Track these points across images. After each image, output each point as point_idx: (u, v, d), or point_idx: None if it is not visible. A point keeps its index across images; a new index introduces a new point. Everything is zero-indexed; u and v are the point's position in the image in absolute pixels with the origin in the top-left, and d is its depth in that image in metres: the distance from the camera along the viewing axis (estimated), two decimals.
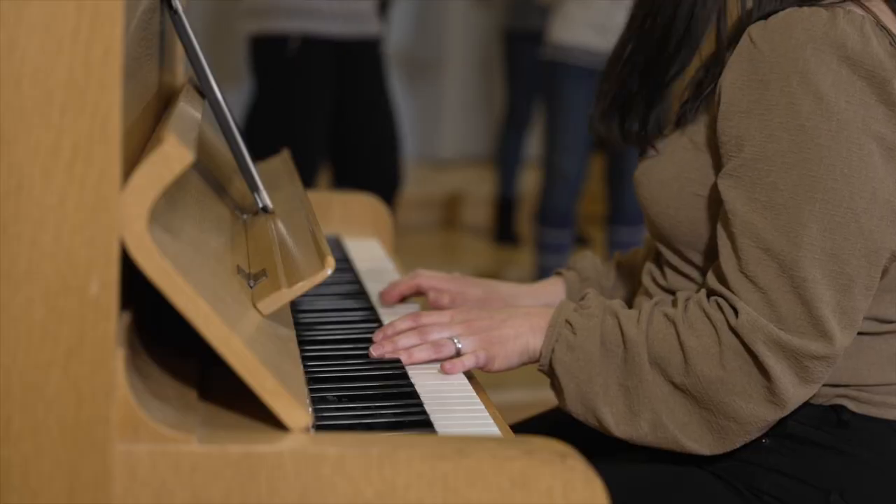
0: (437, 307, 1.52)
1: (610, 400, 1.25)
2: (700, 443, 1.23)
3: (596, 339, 1.26)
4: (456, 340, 1.30)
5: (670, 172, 1.34)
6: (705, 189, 1.31)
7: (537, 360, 1.31)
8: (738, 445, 1.23)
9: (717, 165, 1.29)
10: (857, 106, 1.18)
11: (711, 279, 1.26)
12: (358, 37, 3.75)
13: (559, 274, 1.59)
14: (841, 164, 1.18)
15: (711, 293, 1.26)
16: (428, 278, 1.55)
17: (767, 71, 1.22)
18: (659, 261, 1.40)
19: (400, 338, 1.31)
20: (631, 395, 1.24)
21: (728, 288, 1.23)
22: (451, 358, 1.30)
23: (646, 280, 1.42)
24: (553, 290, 1.57)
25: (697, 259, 1.34)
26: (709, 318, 1.23)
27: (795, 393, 1.20)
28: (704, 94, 1.32)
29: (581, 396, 1.26)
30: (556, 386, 1.29)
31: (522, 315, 1.32)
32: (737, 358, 1.20)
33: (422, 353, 1.30)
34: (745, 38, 1.25)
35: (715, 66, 1.32)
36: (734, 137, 1.24)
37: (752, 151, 1.22)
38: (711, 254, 1.30)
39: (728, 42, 1.32)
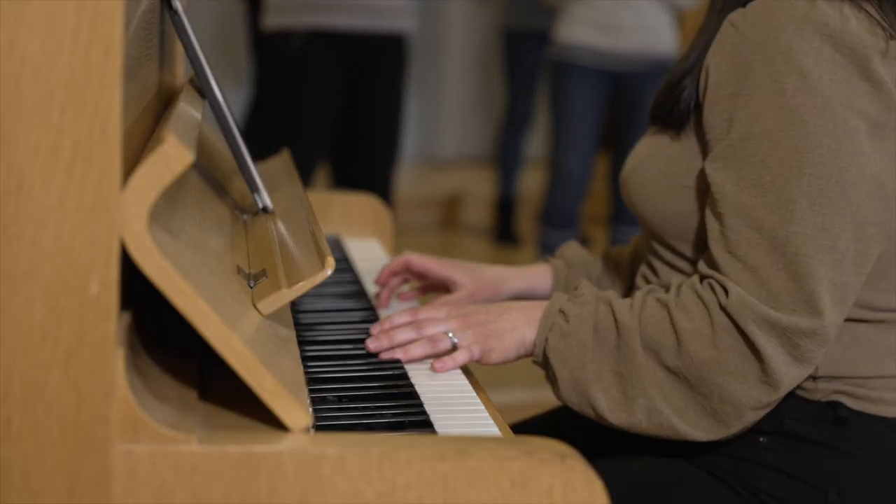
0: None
1: (604, 386, 1.25)
2: (696, 427, 1.23)
3: (589, 326, 1.26)
4: (452, 335, 1.31)
5: (658, 168, 1.35)
6: (692, 180, 1.31)
7: (532, 353, 1.31)
8: (734, 430, 1.23)
9: (704, 153, 1.30)
10: (840, 83, 1.20)
11: (702, 265, 1.27)
12: (371, 31, 3.55)
13: (546, 261, 1.60)
14: (827, 139, 1.19)
15: (703, 277, 1.26)
16: (417, 257, 1.57)
17: (750, 53, 1.23)
18: (651, 260, 1.40)
19: (396, 332, 1.32)
20: (625, 380, 1.24)
21: (718, 270, 1.23)
22: (447, 353, 1.30)
23: (639, 282, 1.42)
24: (540, 273, 1.57)
25: (689, 251, 1.34)
26: (701, 299, 1.23)
27: (788, 373, 1.20)
28: (686, 86, 1.32)
29: (575, 383, 1.26)
30: (550, 375, 1.29)
31: (518, 309, 1.33)
32: (729, 338, 1.20)
33: (418, 350, 1.30)
34: (725, 25, 1.27)
35: (692, 57, 1.33)
36: (723, 121, 1.25)
37: (739, 132, 1.23)
38: (702, 245, 1.31)
39: (701, 33, 1.34)
